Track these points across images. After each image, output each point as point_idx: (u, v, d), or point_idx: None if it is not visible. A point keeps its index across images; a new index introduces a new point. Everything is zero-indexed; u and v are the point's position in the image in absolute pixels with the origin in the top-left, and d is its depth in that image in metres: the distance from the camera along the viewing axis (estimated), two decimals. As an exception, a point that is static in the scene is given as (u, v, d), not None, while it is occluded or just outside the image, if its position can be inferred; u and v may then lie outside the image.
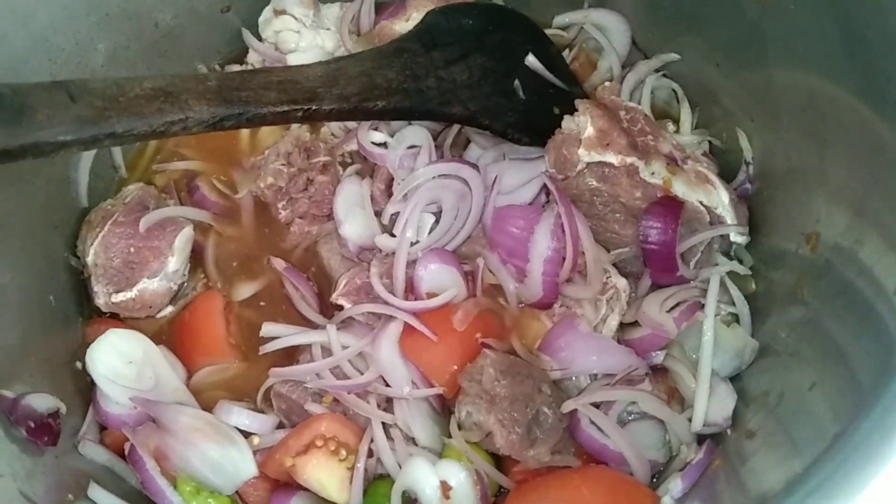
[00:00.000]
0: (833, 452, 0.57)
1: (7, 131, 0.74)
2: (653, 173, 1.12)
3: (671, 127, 1.31)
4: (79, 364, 1.13)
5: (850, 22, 0.89)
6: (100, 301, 1.18)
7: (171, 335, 1.21)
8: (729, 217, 1.14)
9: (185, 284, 1.24)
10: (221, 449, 1.03)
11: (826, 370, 0.83)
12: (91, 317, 1.22)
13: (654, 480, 1.05)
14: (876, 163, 0.84)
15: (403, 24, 1.31)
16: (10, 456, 0.90)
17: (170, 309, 1.22)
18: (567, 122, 1.12)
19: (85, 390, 1.13)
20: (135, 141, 0.93)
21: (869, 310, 0.75)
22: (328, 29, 1.38)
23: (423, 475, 0.99)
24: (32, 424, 0.93)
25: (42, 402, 0.97)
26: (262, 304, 1.23)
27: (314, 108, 0.99)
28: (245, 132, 1.34)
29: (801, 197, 1.05)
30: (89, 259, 1.18)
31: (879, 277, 0.77)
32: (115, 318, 1.21)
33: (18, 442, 0.92)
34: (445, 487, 0.98)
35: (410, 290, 1.15)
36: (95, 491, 0.96)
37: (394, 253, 1.16)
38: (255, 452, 1.07)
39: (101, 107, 0.80)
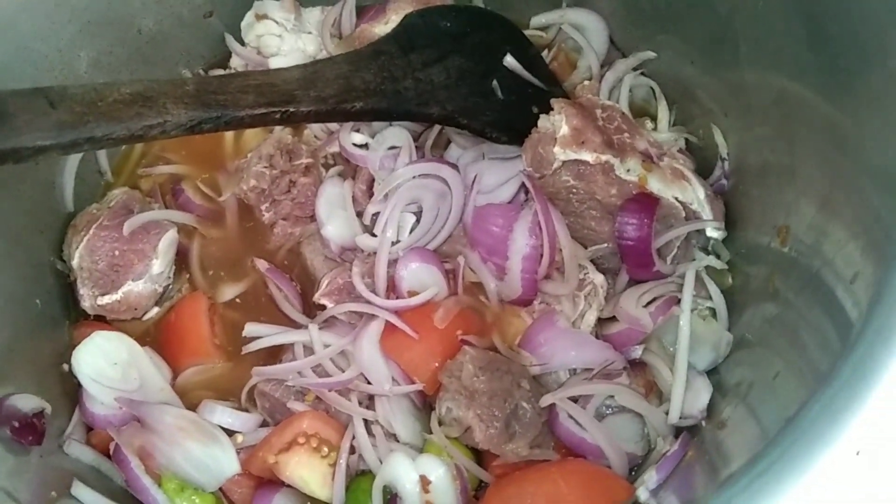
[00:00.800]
0: (786, 433, 0.59)
1: (-14, 137, 0.76)
2: (628, 170, 1.14)
3: (649, 124, 1.32)
4: (66, 366, 1.14)
5: (815, 20, 0.91)
6: (86, 304, 1.19)
7: (157, 336, 1.23)
8: (704, 212, 1.16)
9: (171, 286, 1.26)
10: (205, 447, 1.05)
11: (792, 357, 0.85)
12: (78, 320, 1.24)
13: (633, 473, 1.07)
14: (838, 157, 0.86)
15: (383, 27, 1.33)
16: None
17: (155, 310, 1.24)
18: (543, 121, 1.14)
19: (72, 392, 1.15)
20: (114, 145, 0.95)
21: (831, 298, 0.77)
22: (310, 33, 1.40)
23: (403, 470, 1.00)
24: (17, 424, 0.95)
25: (27, 402, 0.99)
26: (246, 304, 1.25)
27: (291, 110, 1.01)
28: (229, 136, 1.36)
29: (773, 192, 1.07)
30: (75, 262, 1.19)
31: (840, 267, 0.79)
32: (102, 321, 1.22)
33: (2, 441, 0.94)
34: (425, 482, 1.00)
35: (392, 290, 1.16)
36: (79, 489, 0.97)
37: (375, 253, 1.17)
38: (238, 450, 1.09)
39: (81, 112, 0.82)
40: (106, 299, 1.19)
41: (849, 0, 0.83)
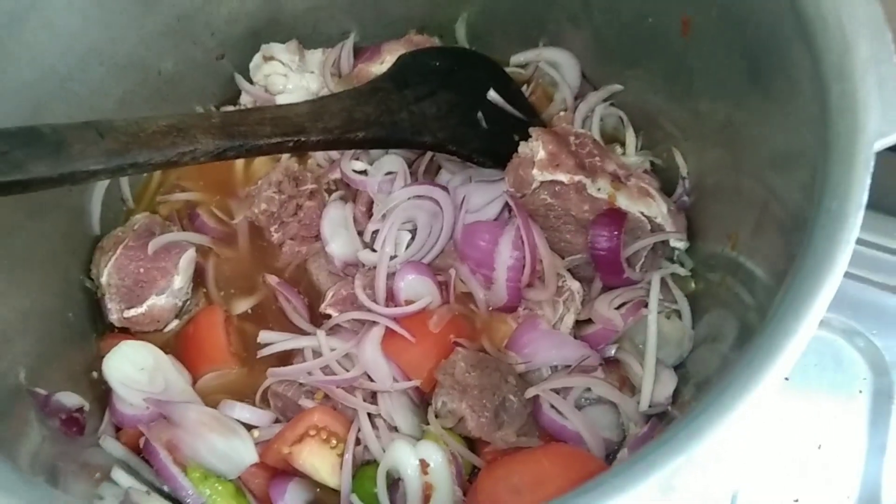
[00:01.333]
0: (712, 386, 0.73)
1: (49, 163, 0.89)
2: (599, 189, 1.27)
3: (619, 149, 1.47)
4: (95, 374, 1.25)
5: (750, 54, 1.06)
6: (113, 317, 1.31)
7: (177, 346, 1.34)
8: (668, 225, 1.30)
9: (189, 301, 1.38)
10: (226, 440, 1.17)
11: (734, 340, 0.99)
12: (104, 332, 1.35)
13: (610, 458, 1.19)
14: (772, 171, 1.01)
15: (378, 67, 1.47)
16: (45, 437, 1.03)
17: (175, 322, 1.36)
18: (522, 147, 1.27)
19: (101, 397, 1.25)
20: (153, 169, 1.08)
21: (764, 289, 0.91)
22: (312, 72, 1.54)
23: (404, 455, 1.12)
24: (63, 416, 1.07)
25: (69, 399, 1.11)
26: (257, 316, 1.37)
27: (302, 139, 1.14)
28: (239, 166, 1.49)
29: (725, 205, 1.21)
30: (103, 279, 1.31)
31: (771, 261, 0.93)
32: (126, 333, 1.33)
33: (52, 430, 1.05)
34: (424, 465, 1.12)
35: (391, 299, 1.28)
36: (118, 474, 1.09)
37: (375, 266, 1.30)
38: (255, 444, 1.19)
39: (125, 141, 0.95)
40: (132, 312, 1.30)
41: (774, 38, 0.99)
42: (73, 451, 1.08)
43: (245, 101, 1.55)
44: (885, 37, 0.83)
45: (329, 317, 1.30)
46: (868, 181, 0.77)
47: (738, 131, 1.13)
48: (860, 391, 1.50)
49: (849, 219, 0.76)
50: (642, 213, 1.29)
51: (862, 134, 0.79)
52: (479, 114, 1.38)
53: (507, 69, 1.53)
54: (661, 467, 0.66)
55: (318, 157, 1.46)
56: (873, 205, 1.54)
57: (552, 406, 1.18)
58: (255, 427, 1.22)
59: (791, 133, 0.95)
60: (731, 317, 1.06)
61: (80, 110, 1.30)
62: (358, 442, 1.19)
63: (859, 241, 1.58)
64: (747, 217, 1.09)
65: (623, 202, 1.28)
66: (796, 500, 1.44)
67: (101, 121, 0.96)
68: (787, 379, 1.50)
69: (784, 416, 1.48)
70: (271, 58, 1.51)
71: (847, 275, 1.57)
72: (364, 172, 1.40)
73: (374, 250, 1.32)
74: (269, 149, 1.12)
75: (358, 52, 1.56)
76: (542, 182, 1.25)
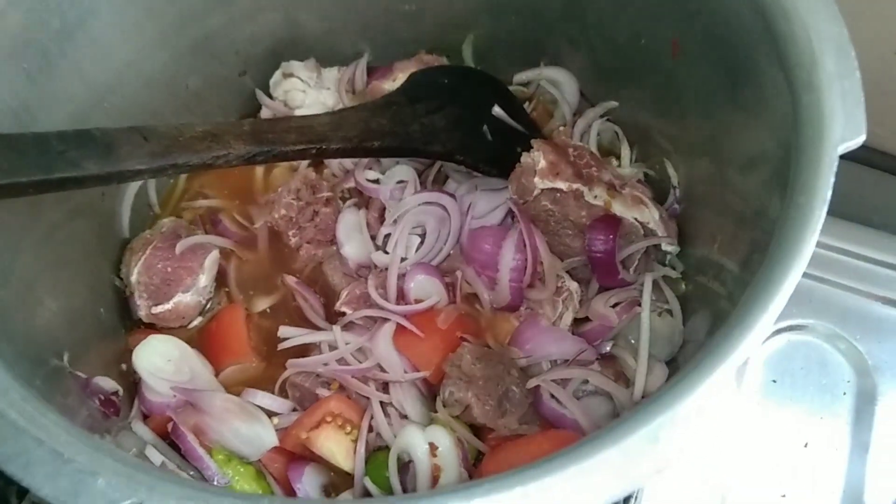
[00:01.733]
0: (688, 366, 0.83)
1: (100, 162, 0.98)
2: (595, 196, 1.37)
3: (615, 162, 1.57)
4: (124, 366, 1.34)
5: (731, 72, 1.16)
6: (141, 313, 1.39)
7: (201, 341, 1.41)
8: (659, 231, 1.39)
9: (212, 300, 1.46)
10: (249, 425, 1.25)
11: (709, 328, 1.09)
12: (132, 328, 1.43)
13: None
14: (748, 176, 1.11)
15: (391, 84, 1.57)
16: (87, 415, 1.12)
17: (199, 319, 1.44)
18: (525, 158, 1.37)
19: (130, 388, 1.32)
20: (190, 171, 1.17)
21: (740, 283, 1.01)
22: (328, 88, 1.63)
23: (415, 439, 1.19)
24: (102, 397, 1.15)
25: (106, 383, 1.19)
26: (276, 314, 1.45)
27: (324, 147, 1.23)
28: (259, 175, 1.59)
29: (712, 211, 1.31)
30: (133, 278, 1.40)
31: (747, 258, 1.03)
32: (153, 328, 1.41)
33: (92, 410, 1.14)
34: (433, 448, 1.20)
35: (401, 298, 1.37)
36: (151, 451, 1.17)
37: (387, 268, 1.39)
38: (275, 430, 1.28)
39: (167, 144, 1.05)
40: (159, 308, 1.39)
41: (751, 56, 1.09)
42: (112, 429, 1.16)
43: (265, 115, 1.64)
44: (849, 54, 0.94)
45: (344, 314, 1.38)
46: (832, 180, 0.87)
47: (721, 142, 1.23)
48: (844, 393, 1.58)
49: (815, 211, 0.85)
50: (636, 220, 1.38)
51: (828, 139, 0.89)
52: (485, 127, 1.48)
53: (511, 87, 1.63)
54: (647, 423, 0.75)
55: (334, 166, 1.56)
56: (860, 219, 1.65)
57: (552, 396, 1.26)
58: (275, 414, 1.30)
59: (765, 140, 1.05)
60: (714, 310, 1.15)
61: (116, 120, 1.39)
62: (371, 429, 1.27)
63: (846, 252, 1.69)
64: (729, 220, 1.19)
65: (618, 209, 1.38)
66: (784, 496, 1.52)
67: (145, 126, 1.06)
68: (774, 381, 1.60)
69: (772, 417, 1.57)
70: (290, 75, 1.61)
71: (832, 283, 1.69)
72: (377, 181, 1.49)
73: (385, 253, 1.41)
74: (294, 155, 1.22)
75: (371, 71, 1.65)
76: (542, 189, 1.35)
